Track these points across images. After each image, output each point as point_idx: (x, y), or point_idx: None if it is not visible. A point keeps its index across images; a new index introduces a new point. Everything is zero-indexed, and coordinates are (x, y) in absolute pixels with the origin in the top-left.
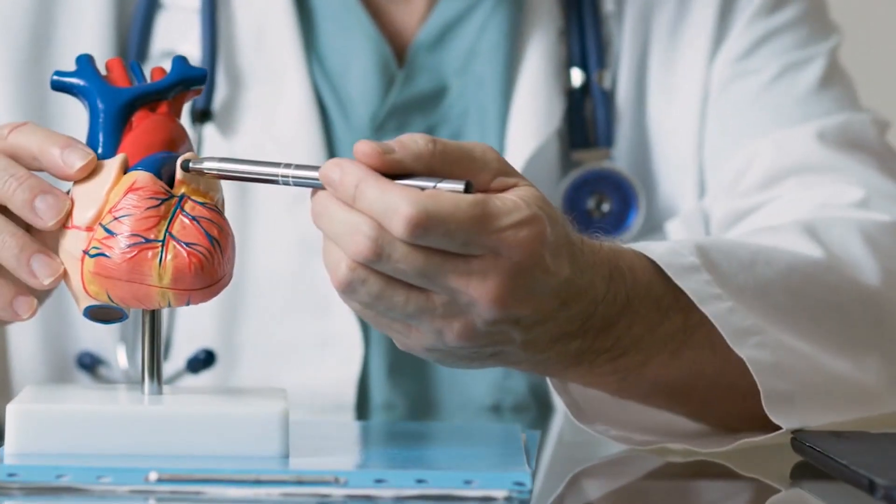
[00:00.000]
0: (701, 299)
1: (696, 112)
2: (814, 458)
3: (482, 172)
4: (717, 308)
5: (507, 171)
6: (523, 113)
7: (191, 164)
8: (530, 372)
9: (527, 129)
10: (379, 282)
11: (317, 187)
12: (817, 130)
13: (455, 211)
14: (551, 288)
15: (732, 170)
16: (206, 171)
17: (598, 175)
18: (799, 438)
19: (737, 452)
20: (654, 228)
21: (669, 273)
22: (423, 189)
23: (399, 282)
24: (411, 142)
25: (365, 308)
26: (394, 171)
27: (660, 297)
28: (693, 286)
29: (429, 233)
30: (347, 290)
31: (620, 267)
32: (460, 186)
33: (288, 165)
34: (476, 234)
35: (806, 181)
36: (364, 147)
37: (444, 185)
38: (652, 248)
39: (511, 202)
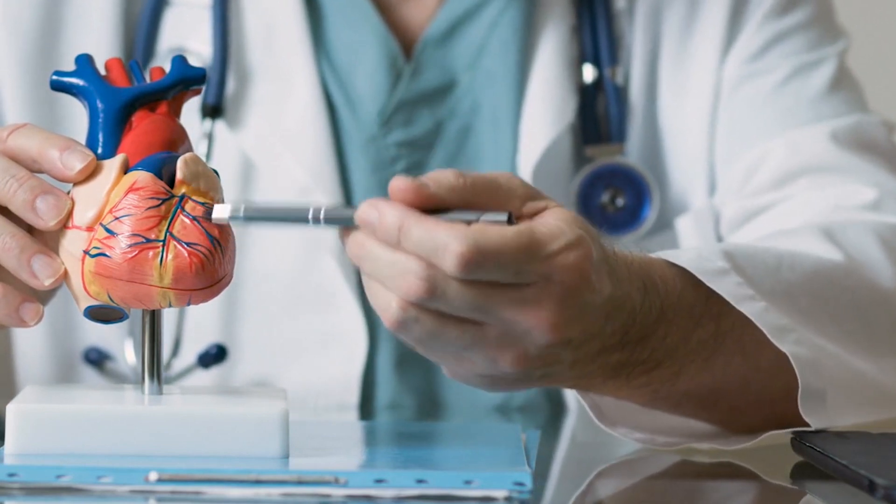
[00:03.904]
0: (736, 300)
1: (707, 110)
2: (814, 458)
3: (511, 200)
4: (753, 307)
5: (534, 195)
6: (536, 108)
7: (214, 215)
8: (571, 388)
9: (540, 124)
10: (432, 319)
11: (349, 226)
12: (830, 131)
13: (504, 242)
14: (597, 306)
15: (743, 168)
16: (232, 221)
17: (611, 170)
18: (799, 438)
19: (737, 452)
20: (665, 225)
21: (702, 278)
22: (467, 223)
23: (452, 317)
24: (442, 176)
25: (418, 344)
26: (430, 206)
27: (692, 304)
28: (727, 288)
29: (481, 267)
30: (401, 329)
31: (653, 277)
32: (503, 217)
33: (318, 208)
34: (527, 262)
35: (818, 181)
36: (399, 183)
37: (487, 217)
38: (680, 256)
39: (555, 227)
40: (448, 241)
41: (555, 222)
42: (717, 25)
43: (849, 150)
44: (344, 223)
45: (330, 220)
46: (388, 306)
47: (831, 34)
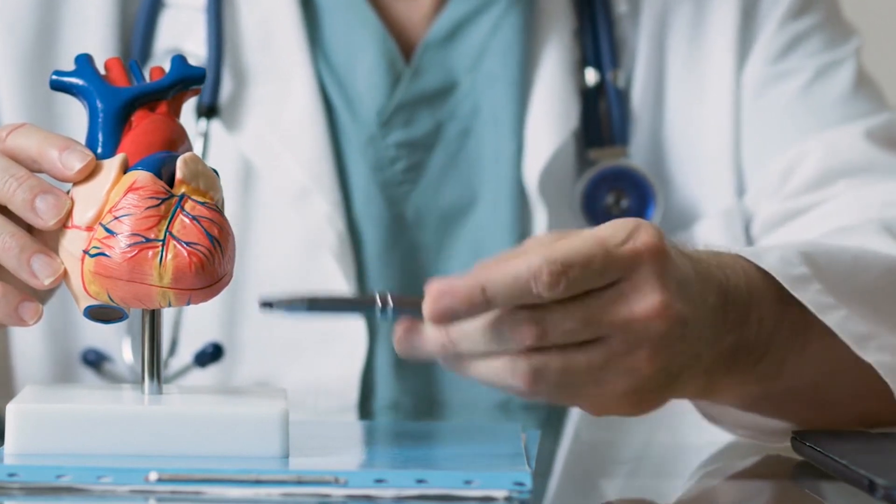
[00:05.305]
0: (819, 309)
1: (726, 114)
2: (814, 458)
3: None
4: (834, 317)
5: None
6: (541, 114)
7: (274, 305)
8: (702, 390)
9: (545, 131)
10: (557, 356)
11: (413, 319)
12: (865, 130)
13: (577, 248)
14: (688, 279)
15: (778, 170)
16: (293, 313)
17: (615, 172)
18: (799, 438)
19: (737, 452)
20: (676, 228)
21: (786, 285)
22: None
23: (574, 346)
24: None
25: (559, 389)
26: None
27: (777, 287)
28: (810, 297)
29: (570, 277)
30: (538, 382)
31: (726, 261)
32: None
33: (385, 299)
34: (607, 257)
35: (859, 181)
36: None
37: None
38: (761, 257)
39: (609, 225)
40: (527, 269)
41: (605, 224)
42: (728, 30)
43: (885, 148)
44: (413, 312)
45: (399, 308)
46: (514, 369)
47: (844, 33)
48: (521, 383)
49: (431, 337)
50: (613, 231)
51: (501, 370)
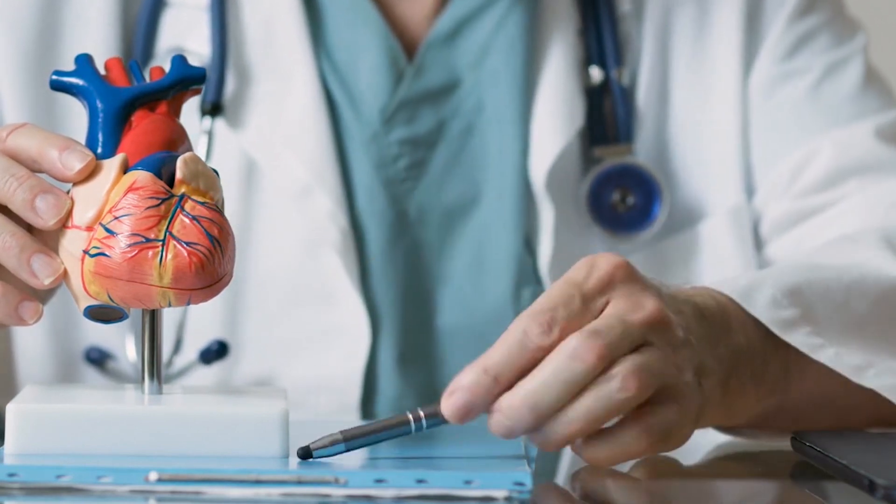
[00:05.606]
0: (810, 349)
1: (733, 112)
2: (814, 458)
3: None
4: (826, 354)
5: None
6: (547, 112)
7: (313, 450)
8: (721, 401)
9: (551, 130)
10: (636, 355)
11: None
12: (874, 128)
13: (552, 293)
14: (658, 290)
15: (788, 169)
16: (332, 454)
17: (621, 170)
18: (799, 438)
19: (737, 452)
20: (682, 225)
21: (775, 330)
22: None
23: (622, 355)
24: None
25: (659, 381)
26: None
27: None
28: (799, 339)
29: (557, 317)
30: (642, 378)
31: (686, 288)
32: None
33: (417, 416)
34: (582, 291)
35: (869, 180)
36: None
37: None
38: (752, 302)
39: (572, 268)
40: (521, 326)
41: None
42: (733, 29)
43: (894, 145)
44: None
45: (431, 420)
46: (615, 378)
47: (850, 30)
48: (632, 387)
49: (511, 414)
50: (575, 271)
51: (605, 390)
